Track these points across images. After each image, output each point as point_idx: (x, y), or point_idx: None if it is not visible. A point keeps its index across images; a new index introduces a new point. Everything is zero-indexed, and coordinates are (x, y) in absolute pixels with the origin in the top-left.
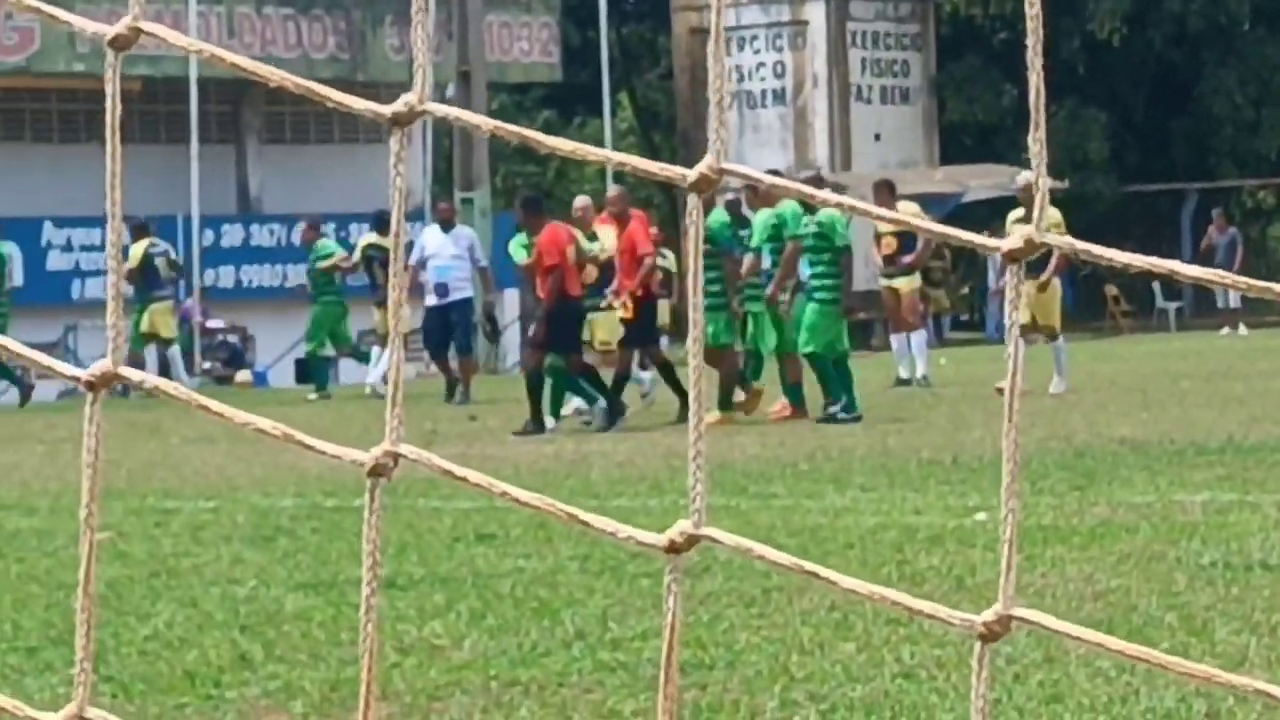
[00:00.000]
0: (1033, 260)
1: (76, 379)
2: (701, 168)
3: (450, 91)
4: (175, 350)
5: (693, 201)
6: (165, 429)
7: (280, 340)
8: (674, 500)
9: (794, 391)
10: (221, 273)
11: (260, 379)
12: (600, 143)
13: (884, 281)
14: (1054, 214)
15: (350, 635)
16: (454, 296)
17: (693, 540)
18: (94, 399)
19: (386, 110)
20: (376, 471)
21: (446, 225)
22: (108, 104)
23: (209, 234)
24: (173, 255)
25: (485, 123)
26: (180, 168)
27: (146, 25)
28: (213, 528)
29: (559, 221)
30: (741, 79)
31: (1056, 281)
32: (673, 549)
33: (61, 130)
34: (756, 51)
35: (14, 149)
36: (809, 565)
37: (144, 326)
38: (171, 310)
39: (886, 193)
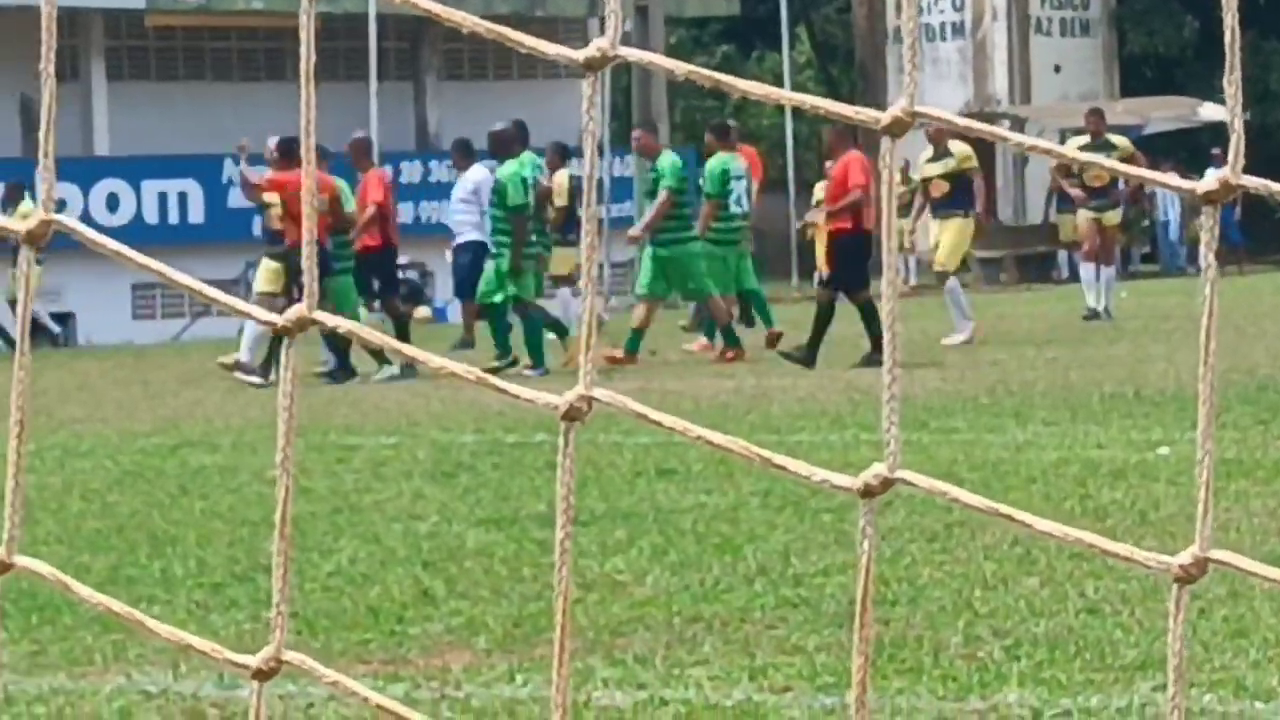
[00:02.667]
0: (941, 198)
1: (272, 324)
2: (895, 111)
3: (627, 26)
4: None
5: (885, 145)
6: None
7: None
8: (855, 435)
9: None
10: (400, 209)
11: (440, 314)
12: (779, 76)
13: (1088, 214)
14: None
15: (532, 571)
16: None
17: (887, 483)
18: (289, 344)
19: (579, 55)
20: (571, 415)
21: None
22: (302, 50)
23: (387, 170)
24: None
25: (679, 66)
26: (359, 104)
27: None
28: (394, 464)
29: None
30: (921, 12)
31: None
32: (867, 493)
33: (241, 68)
34: None
35: (195, 87)
36: (1003, 508)
37: None
38: None
39: (1099, 119)
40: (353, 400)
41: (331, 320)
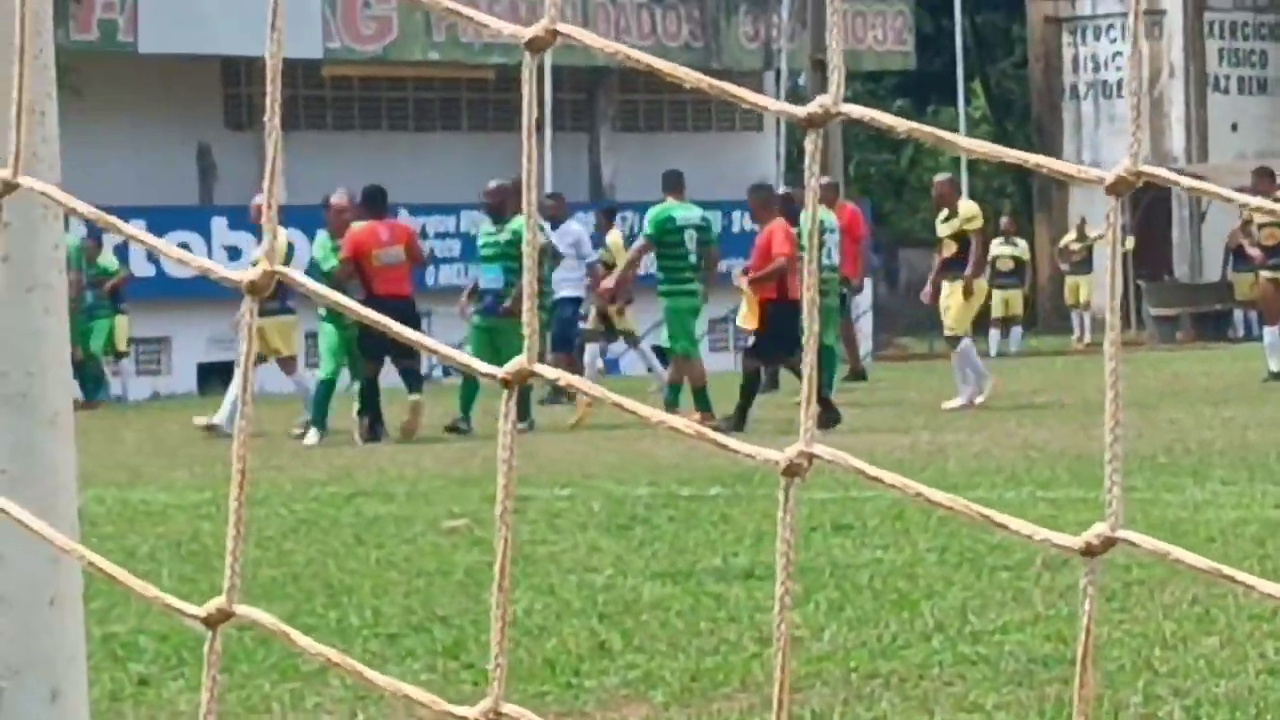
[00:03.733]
0: (951, 258)
1: (493, 376)
2: (1120, 170)
3: (803, 80)
4: None
5: (1110, 204)
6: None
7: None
8: (1031, 492)
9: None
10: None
11: (612, 366)
12: (954, 130)
13: (1267, 274)
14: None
15: (709, 625)
16: (558, 294)
17: (1109, 543)
18: (509, 395)
19: (802, 112)
20: (791, 471)
21: (555, 222)
22: (524, 106)
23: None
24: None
25: (900, 124)
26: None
27: (563, 27)
28: (569, 515)
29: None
30: (1097, 68)
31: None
32: (1089, 551)
33: (417, 118)
34: (1113, 41)
35: (371, 137)
36: (1226, 569)
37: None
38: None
39: (1268, 180)
40: (528, 451)
41: (551, 372)
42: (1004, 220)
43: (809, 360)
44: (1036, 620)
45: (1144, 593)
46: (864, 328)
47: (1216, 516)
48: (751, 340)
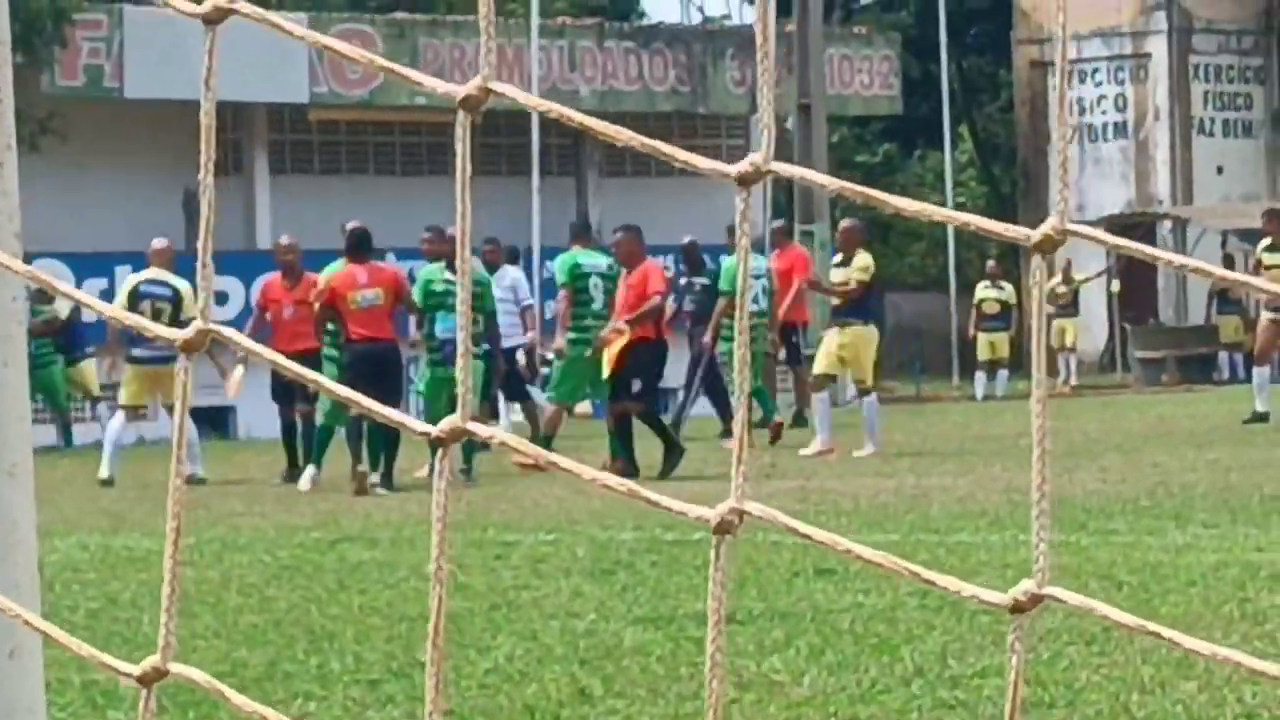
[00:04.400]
0: (840, 306)
1: (426, 434)
2: (1045, 229)
3: (790, 124)
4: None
5: (1035, 262)
6: (505, 464)
7: None
8: (1014, 535)
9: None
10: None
11: (600, 411)
12: (940, 175)
13: (1269, 315)
14: (863, 258)
15: (689, 670)
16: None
17: (1036, 600)
18: (443, 454)
19: (732, 170)
20: (722, 529)
21: (491, 267)
22: (458, 162)
23: (549, 265)
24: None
25: (830, 182)
26: (521, 199)
27: (496, 86)
28: (552, 560)
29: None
30: (1083, 112)
31: (865, 329)
32: (1017, 609)
33: (404, 162)
34: (1098, 84)
35: (358, 180)
36: (1152, 626)
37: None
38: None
39: (1277, 221)
40: (512, 496)
41: (484, 430)
42: (990, 264)
43: (740, 417)
44: (1007, 676)
45: (1123, 638)
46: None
47: (1198, 560)
48: (629, 384)
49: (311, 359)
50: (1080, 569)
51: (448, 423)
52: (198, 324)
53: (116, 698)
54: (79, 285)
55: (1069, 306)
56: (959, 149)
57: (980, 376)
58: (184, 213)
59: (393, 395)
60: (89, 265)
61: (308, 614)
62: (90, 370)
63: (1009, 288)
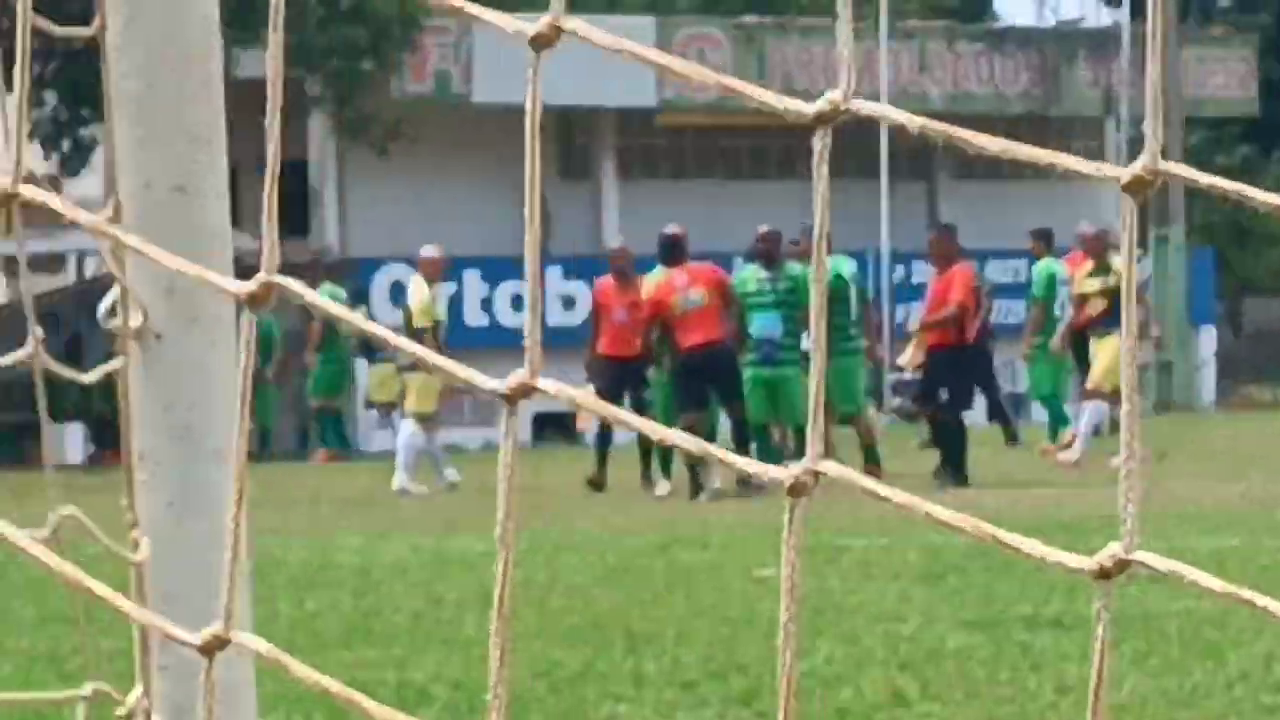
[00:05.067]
0: (1100, 316)
1: (494, 392)
2: (1135, 169)
3: (1145, 127)
4: None
5: (1127, 205)
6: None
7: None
8: None
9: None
10: (913, 309)
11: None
12: None
13: None
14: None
15: (1010, 674)
16: None
17: (1123, 565)
18: (509, 412)
19: (810, 108)
20: (796, 490)
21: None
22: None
23: (899, 270)
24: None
25: (913, 121)
26: (871, 203)
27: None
28: (883, 565)
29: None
30: None
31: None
32: (1103, 574)
33: (752, 166)
34: None
35: (705, 185)
36: (1246, 592)
37: None
38: None
39: None
40: (851, 503)
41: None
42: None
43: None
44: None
45: None
46: (1206, 377)
47: None
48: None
49: (635, 365)
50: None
51: (515, 378)
52: (261, 276)
53: (429, 697)
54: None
55: None
56: None
57: None
58: None
59: (731, 397)
60: None
61: (629, 616)
62: (376, 375)
63: None
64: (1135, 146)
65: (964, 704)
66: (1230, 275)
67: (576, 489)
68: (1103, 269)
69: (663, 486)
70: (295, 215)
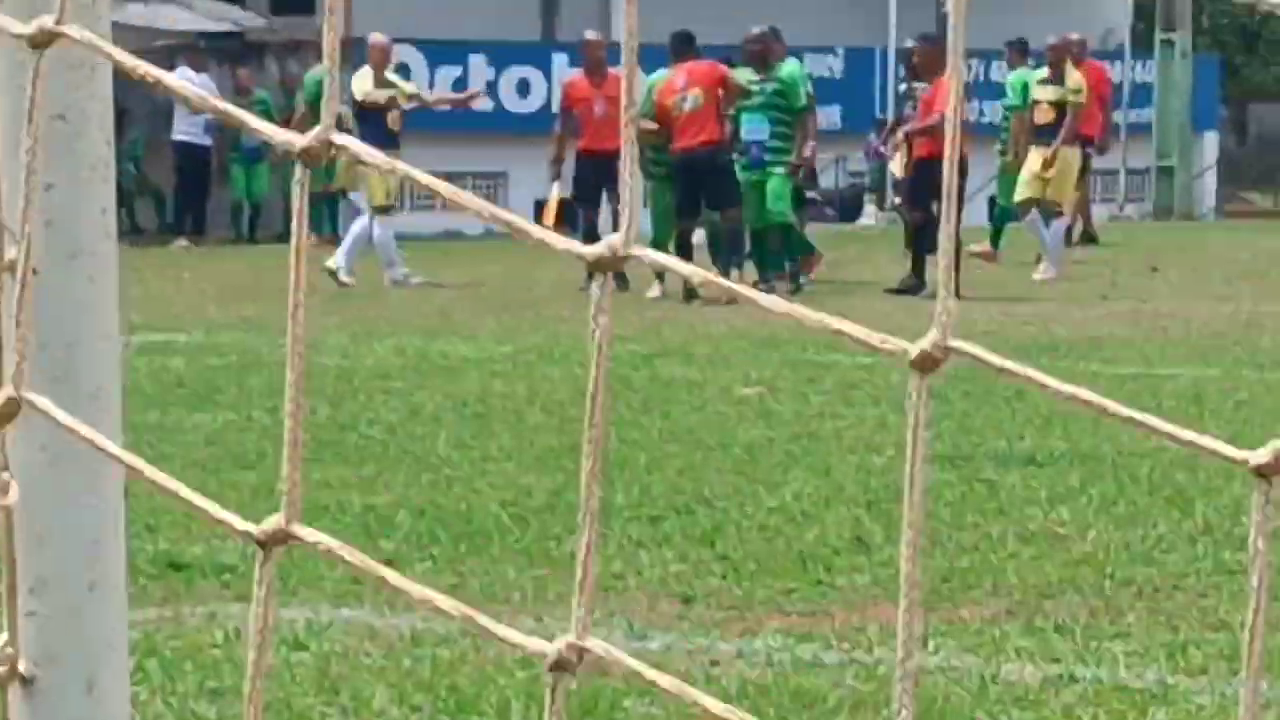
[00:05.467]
0: (1045, 125)
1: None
2: None
3: None
4: None
5: None
6: (847, 276)
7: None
8: None
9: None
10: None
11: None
12: None
13: None
14: (1075, 77)
15: (975, 518)
16: None
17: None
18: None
19: None
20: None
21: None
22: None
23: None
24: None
25: None
26: None
27: None
28: (865, 387)
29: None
30: None
31: (1068, 151)
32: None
33: None
34: None
35: None
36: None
37: None
38: None
39: None
40: (842, 308)
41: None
42: None
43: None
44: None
45: None
46: (1207, 183)
47: None
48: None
49: (617, 160)
50: None
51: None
52: (319, 132)
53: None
54: (432, 73)
55: None
56: None
57: None
58: (541, 3)
59: (725, 200)
60: (443, 53)
61: (606, 438)
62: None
63: None
64: None
65: (926, 552)
66: (1237, 81)
67: (565, 287)
68: (1058, 78)
69: (655, 289)
70: None
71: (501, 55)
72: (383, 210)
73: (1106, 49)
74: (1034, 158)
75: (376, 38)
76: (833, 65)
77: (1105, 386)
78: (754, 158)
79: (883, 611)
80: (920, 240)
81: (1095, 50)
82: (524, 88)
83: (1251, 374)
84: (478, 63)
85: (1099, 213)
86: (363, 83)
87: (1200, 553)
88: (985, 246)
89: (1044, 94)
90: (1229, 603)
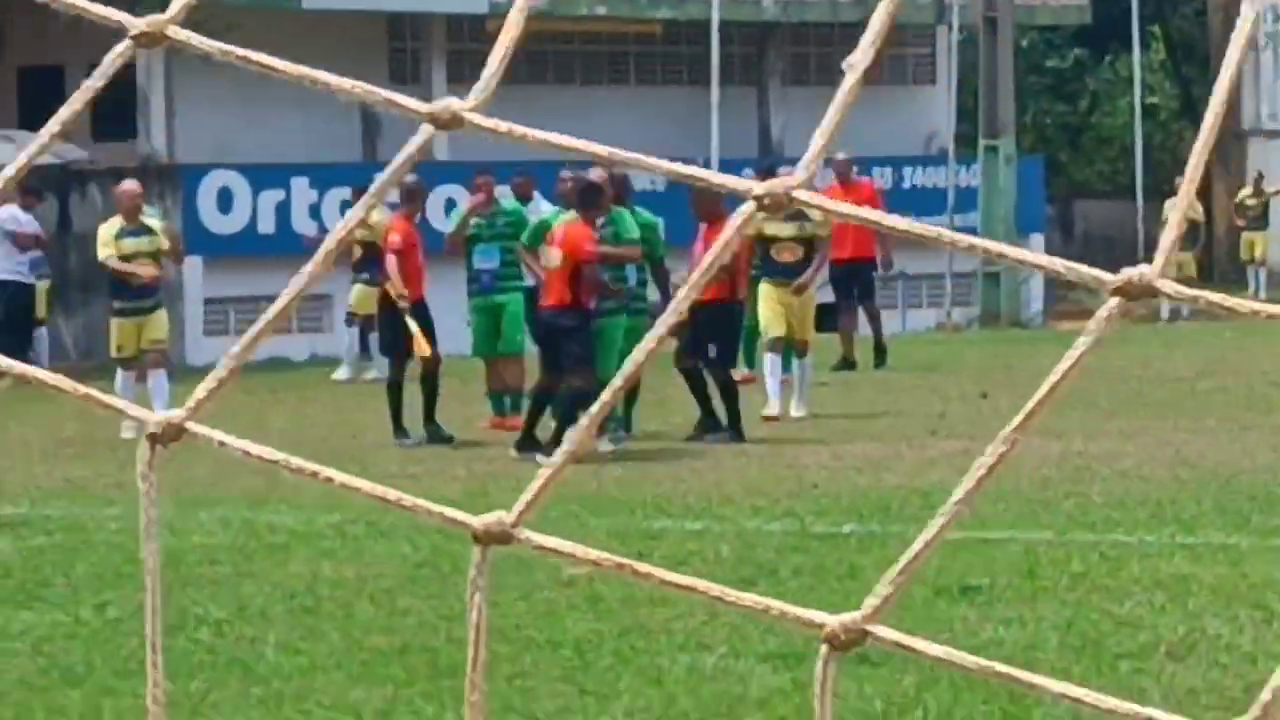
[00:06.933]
0: (797, 263)
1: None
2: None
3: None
4: None
5: None
6: (672, 424)
7: None
8: (1171, 535)
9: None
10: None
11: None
12: (1130, 80)
13: None
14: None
15: None
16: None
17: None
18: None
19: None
20: (838, 644)
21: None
22: None
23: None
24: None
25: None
26: (701, 110)
27: None
28: (694, 562)
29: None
30: (1278, 19)
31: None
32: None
33: (583, 72)
34: None
35: (536, 91)
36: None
37: None
38: None
39: None
40: (690, 471)
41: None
42: (1179, 180)
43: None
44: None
45: None
46: (1034, 287)
47: None
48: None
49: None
50: (1232, 588)
51: None
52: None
53: None
54: (255, 197)
55: (1259, 219)
56: (1153, 49)
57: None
58: (361, 124)
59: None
60: (265, 177)
61: (435, 635)
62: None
63: (1198, 206)
64: (965, 51)
65: None
66: (1062, 179)
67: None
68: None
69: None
70: (122, 118)
71: (324, 177)
72: (118, 361)
73: (930, 154)
74: (782, 294)
75: (126, 186)
76: (655, 179)
77: (940, 559)
78: (484, 285)
79: None
80: (697, 387)
81: (918, 155)
82: (347, 209)
83: (1085, 537)
84: (300, 185)
85: (924, 317)
86: (105, 236)
87: None
88: (745, 374)
89: (786, 230)
90: None
